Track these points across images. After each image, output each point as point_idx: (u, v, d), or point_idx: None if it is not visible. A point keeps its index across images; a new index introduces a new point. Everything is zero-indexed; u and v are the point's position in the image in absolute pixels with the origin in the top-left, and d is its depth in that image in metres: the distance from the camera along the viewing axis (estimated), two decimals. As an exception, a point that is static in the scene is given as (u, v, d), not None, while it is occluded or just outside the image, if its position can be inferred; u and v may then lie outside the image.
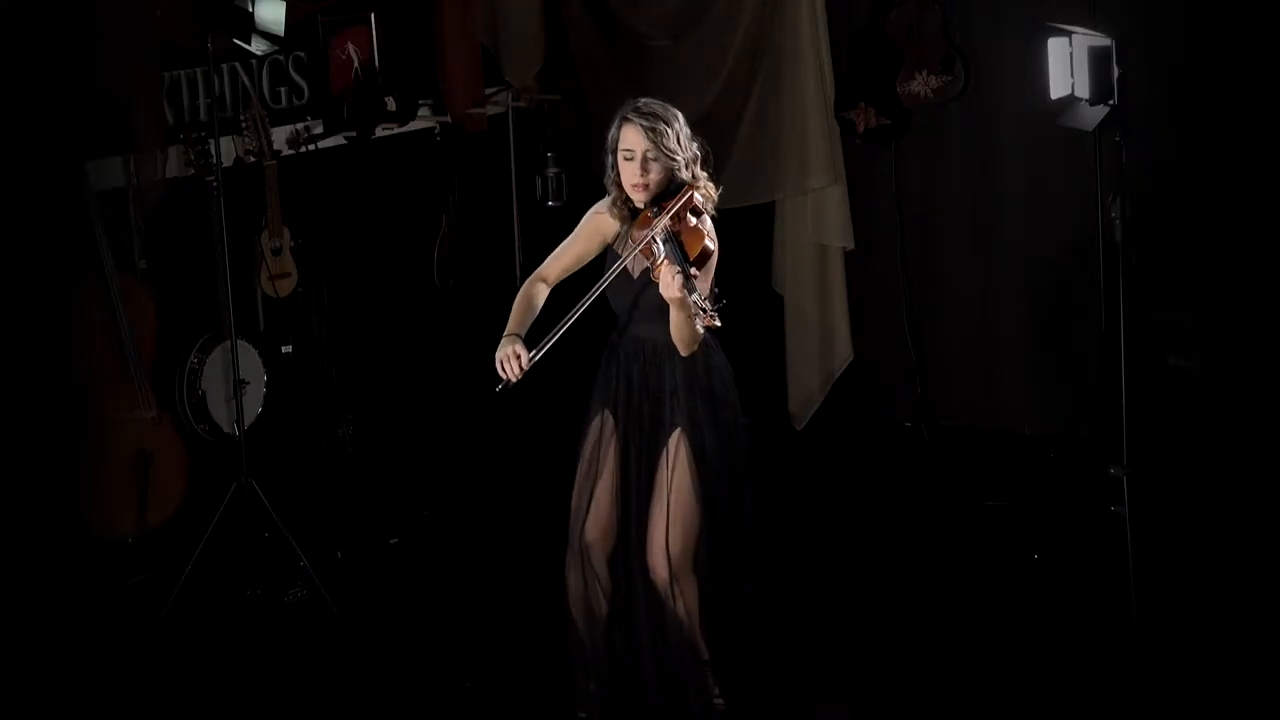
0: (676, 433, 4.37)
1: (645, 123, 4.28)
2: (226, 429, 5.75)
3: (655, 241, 4.22)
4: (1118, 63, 5.24)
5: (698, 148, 4.37)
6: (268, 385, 5.95)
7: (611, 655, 4.47)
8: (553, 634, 4.61)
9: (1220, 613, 5.10)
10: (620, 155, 4.31)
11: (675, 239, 4.24)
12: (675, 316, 4.25)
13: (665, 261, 4.16)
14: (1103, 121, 5.46)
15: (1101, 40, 5.29)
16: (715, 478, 4.39)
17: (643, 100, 4.36)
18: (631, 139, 4.30)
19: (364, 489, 6.14)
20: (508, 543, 5.83)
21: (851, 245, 6.72)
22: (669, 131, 4.30)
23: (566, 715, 4.53)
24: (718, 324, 4.13)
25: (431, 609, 5.44)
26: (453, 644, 5.17)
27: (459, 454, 6.55)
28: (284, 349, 6.07)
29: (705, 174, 4.39)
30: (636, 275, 4.35)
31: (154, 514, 5.53)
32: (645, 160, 4.28)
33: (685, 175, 4.33)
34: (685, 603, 4.38)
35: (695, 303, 4.11)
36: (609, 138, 4.36)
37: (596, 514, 4.42)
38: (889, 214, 6.83)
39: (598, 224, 4.43)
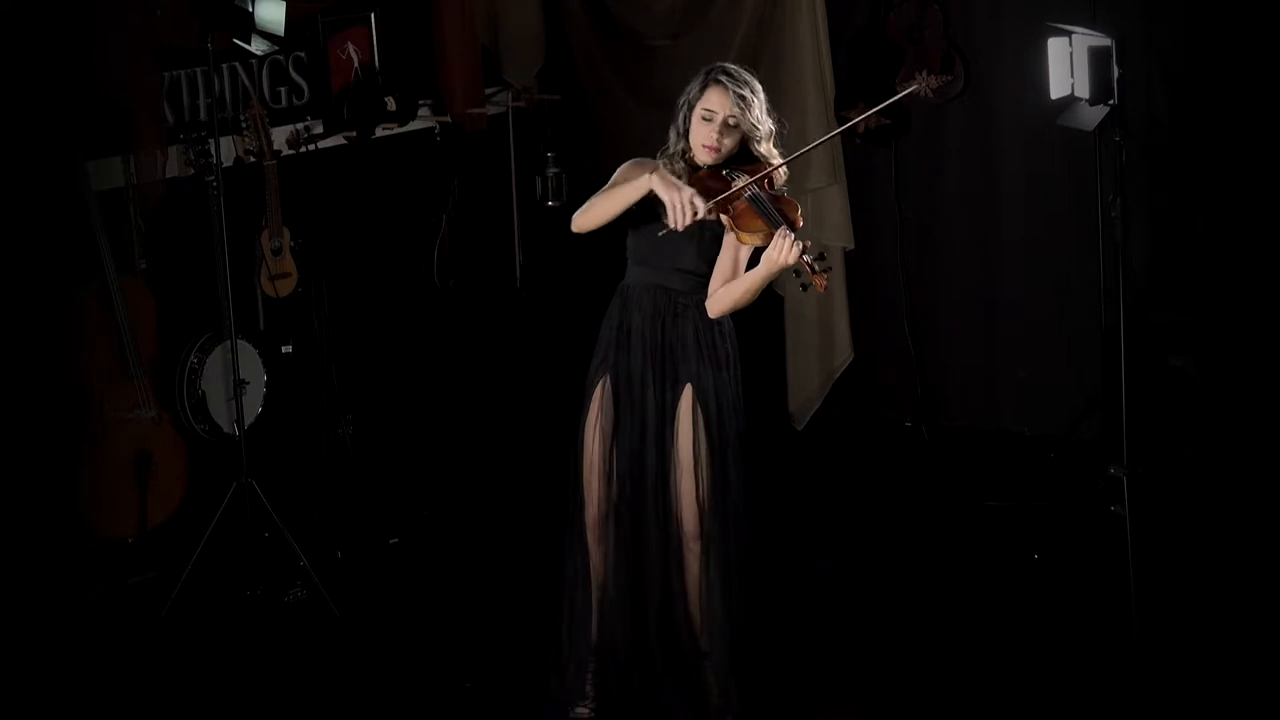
0: (688, 389, 4.30)
1: (736, 89, 4.22)
2: (226, 429, 5.75)
3: (757, 202, 4.12)
4: (1118, 63, 5.25)
5: (773, 123, 4.31)
6: (268, 385, 5.95)
7: (623, 631, 4.41)
8: (550, 630, 4.61)
9: (1220, 613, 5.10)
10: (699, 114, 4.24)
11: (776, 203, 4.16)
12: (758, 281, 4.15)
13: (780, 230, 4.05)
14: (1103, 121, 5.47)
15: (1101, 40, 5.29)
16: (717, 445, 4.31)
17: (732, 65, 4.29)
18: (717, 101, 4.22)
19: (364, 489, 6.13)
20: (508, 543, 5.83)
21: (851, 245, 6.71)
22: (755, 101, 4.24)
23: (563, 713, 4.53)
24: (827, 284, 4.04)
25: (431, 609, 5.44)
26: (453, 644, 5.16)
27: (459, 454, 6.55)
28: (284, 349, 6.06)
29: (778, 151, 4.32)
30: (681, 227, 4.14)
31: (154, 514, 5.54)
32: (725, 125, 4.23)
33: (762, 149, 4.29)
34: (698, 567, 4.31)
35: (807, 263, 4.03)
36: (689, 92, 4.26)
37: (613, 480, 4.36)
38: (889, 214, 6.83)
39: (640, 171, 4.24)
